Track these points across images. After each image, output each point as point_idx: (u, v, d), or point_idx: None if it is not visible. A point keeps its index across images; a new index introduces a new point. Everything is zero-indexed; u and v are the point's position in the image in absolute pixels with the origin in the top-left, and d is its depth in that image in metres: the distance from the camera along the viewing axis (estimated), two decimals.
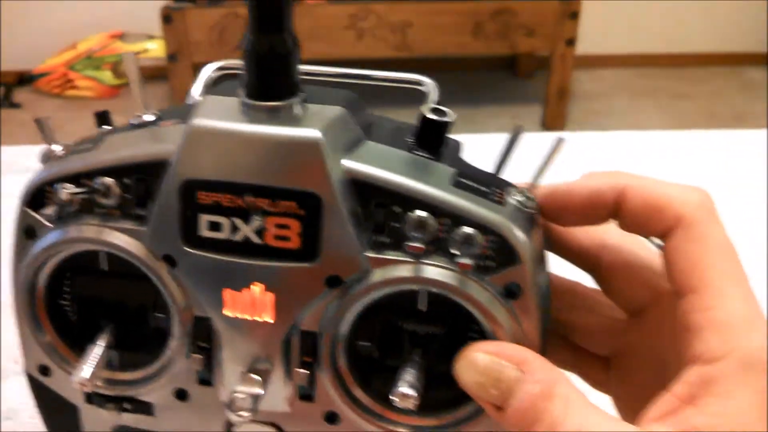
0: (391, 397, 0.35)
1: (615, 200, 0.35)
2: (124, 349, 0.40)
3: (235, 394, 0.36)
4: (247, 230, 0.34)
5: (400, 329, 0.37)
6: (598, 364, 0.42)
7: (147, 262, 0.36)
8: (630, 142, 1.06)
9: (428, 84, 0.43)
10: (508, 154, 0.37)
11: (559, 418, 0.32)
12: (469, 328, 0.36)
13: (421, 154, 0.36)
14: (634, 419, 0.33)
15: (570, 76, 3.22)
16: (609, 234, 0.40)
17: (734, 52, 3.91)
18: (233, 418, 0.36)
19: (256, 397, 0.37)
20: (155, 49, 3.44)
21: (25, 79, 3.62)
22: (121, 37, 3.56)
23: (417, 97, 0.43)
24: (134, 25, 3.54)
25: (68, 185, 0.36)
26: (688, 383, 0.32)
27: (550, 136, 0.35)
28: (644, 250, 0.39)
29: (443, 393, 0.37)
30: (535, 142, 0.34)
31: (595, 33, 3.64)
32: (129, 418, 0.41)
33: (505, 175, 0.37)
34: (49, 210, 0.36)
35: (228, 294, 0.36)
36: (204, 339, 0.37)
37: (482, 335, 0.35)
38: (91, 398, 0.41)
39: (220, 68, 0.44)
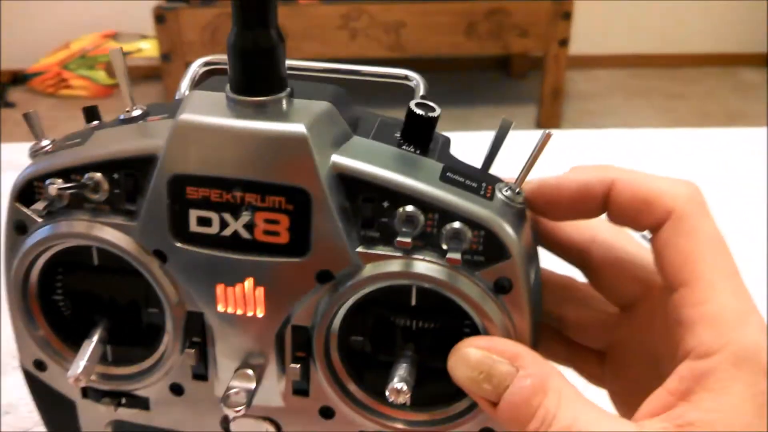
0: (384, 391, 0.35)
1: (604, 194, 0.35)
2: (118, 344, 0.40)
3: (230, 389, 0.37)
4: (236, 225, 0.34)
5: (392, 324, 0.37)
6: (592, 358, 0.42)
7: (138, 257, 0.36)
8: (625, 140, 1.06)
9: (415, 79, 0.43)
10: (496, 148, 0.37)
11: (551, 412, 0.32)
12: (461, 324, 0.36)
13: (408, 149, 0.36)
14: (630, 413, 0.34)
15: (564, 76, 3.23)
16: (598, 229, 0.40)
17: (728, 53, 3.92)
18: (228, 412, 0.36)
19: (250, 392, 0.37)
20: (149, 48, 3.44)
21: (19, 78, 3.62)
22: (114, 36, 3.55)
23: (407, 94, 0.43)
24: (128, 25, 3.54)
25: (57, 180, 0.36)
26: (682, 378, 0.32)
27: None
28: (633, 244, 0.40)
29: (438, 388, 0.37)
30: (530, 141, 0.34)
31: (589, 33, 3.65)
32: (125, 413, 0.41)
33: (496, 170, 0.38)
34: (39, 205, 0.36)
35: (220, 289, 0.36)
36: (197, 334, 0.37)
37: (475, 330, 0.35)
38: (87, 393, 0.41)
39: (208, 63, 0.43)
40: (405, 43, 3.07)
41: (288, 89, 0.35)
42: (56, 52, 3.56)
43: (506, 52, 3.43)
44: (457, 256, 0.33)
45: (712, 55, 3.92)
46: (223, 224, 0.35)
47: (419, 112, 0.36)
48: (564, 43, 3.12)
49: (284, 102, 0.35)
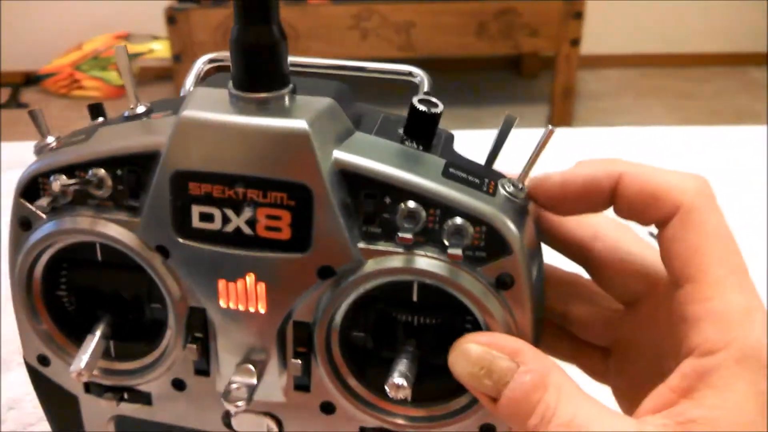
0: (384, 387, 0.35)
1: (611, 187, 0.35)
2: (121, 339, 0.40)
3: (231, 384, 0.37)
4: (238, 221, 0.35)
5: (394, 320, 0.37)
6: (596, 354, 0.42)
7: (140, 253, 0.37)
8: (635, 137, 1.06)
9: (420, 75, 0.43)
10: (500, 144, 0.37)
11: (551, 408, 0.32)
12: (463, 319, 0.36)
13: (411, 145, 0.36)
14: (634, 410, 0.33)
15: (575, 76, 3.22)
16: (600, 225, 0.39)
17: (737, 52, 3.90)
18: (229, 407, 0.36)
19: (251, 387, 0.37)
20: (160, 49, 3.46)
21: (31, 79, 3.64)
22: (126, 37, 3.57)
23: (413, 91, 0.43)
24: (140, 26, 3.55)
25: (62, 176, 0.36)
26: (685, 375, 0.32)
27: (556, 132, 0.34)
28: (636, 240, 0.39)
29: (439, 384, 0.37)
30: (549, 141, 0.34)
31: (600, 33, 3.63)
32: (127, 408, 0.41)
33: (508, 167, 0.37)
34: (44, 201, 0.36)
35: (222, 284, 0.36)
36: (199, 329, 0.37)
37: (476, 326, 0.35)
38: (90, 388, 0.41)
39: (213, 60, 0.44)
40: (415, 43, 3.07)
41: (290, 86, 0.35)
42: (69, 53, 3.59)
43: (517, 51, 3.42)
44: (458, 251, 0.33)
45: (721, 54, 3.90)
46: (226, 220, 0.35)
47: (422, 108, 0.36)
48: (575, 42, 3.11)
49: (286, 98, 0.35)
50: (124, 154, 0.36)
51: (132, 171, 0.36)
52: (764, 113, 3.36)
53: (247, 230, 0.35)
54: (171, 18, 2.96)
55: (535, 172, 0.36)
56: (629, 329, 0.40)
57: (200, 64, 0.43)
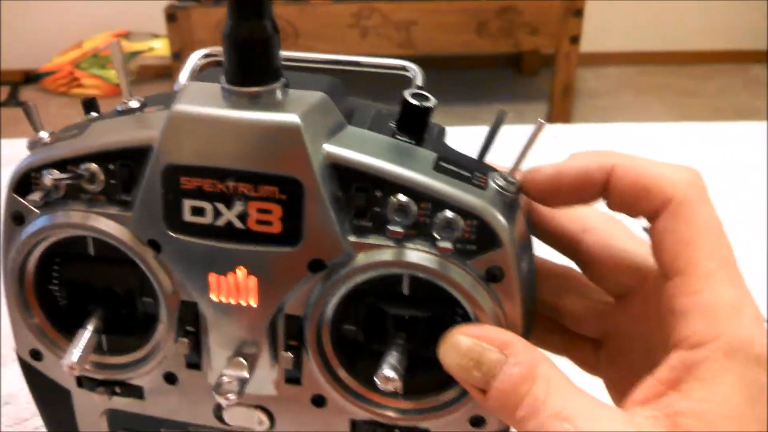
0: (374, 379, 0.35)
1: (604, 179, 0.35)
2: (113, 333, 0.40)
3: (222, 378, 0.37)
4: (229, 215, 0.35)
5: (384, 313, 0.37)
6: (588, 347, 0.42)
7: (132, 247, 0.37)
8: (633, 133, 1.06)
9: (413, 69, 0.43)
10: (491, 138, 0.37)
11: (540, 399, 0.32)
12: (453, 312, 0.36)
13: (403, 138, 0.36)
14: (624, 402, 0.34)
15: (575, 73, 3.22)
16: (590, 218, 0.39)
17: (738, 50, 3.90)
18: (220, 400, 0.37)
19: (242, 381, 0.37)
20: (160, 47, 3.46)
21: (31, 77, 3.65)
22: (126, 36, 3.57)
23: (408, 86, 0.43)
24: (139, 24, 3.56)
25: (54, 171, 0.36)
26: (673, 367, 0.32)
27: (554, 129, 0.34)
28: (626, 233, 0.39)
29: (429, 376, 0.37)
30: (541, 136, 0.34)
31: (600, 31, 3.63)
32: (120, 402, 0.42)
33: (504, 162, 0.37)
34: (36, 196, 0.36)
35: (213, 278, 0.36)
36: (191, 323, 0.38)
37: (467, 319, 0.35)
38: (82, 382, 0.41)
39: (208, 55, 0.44)
40: (416, 42, 3.07)
41: (283, 80, 0.35)
42: (68, 52, 3.59)
43: (517, 49, 3.42)
44: (448, 244, 0.33)
45: (722, 52, 3.90)
46: (217, 214, 0.35)
47: (414, 102, 0.36)
48: (575, 40, 3.11)
49: (278, 92, 0.35)
50: (116, 149, 0.36)
51: (124, 165, 0.36)
52: (764, 110, 3.36)
53: (238, 224, 0.35)
54: (171, 16, 2.96)
55: (527, 167, 0.36)
56: (620, 322, 0.40)
57: (195, 59, 0.43)
